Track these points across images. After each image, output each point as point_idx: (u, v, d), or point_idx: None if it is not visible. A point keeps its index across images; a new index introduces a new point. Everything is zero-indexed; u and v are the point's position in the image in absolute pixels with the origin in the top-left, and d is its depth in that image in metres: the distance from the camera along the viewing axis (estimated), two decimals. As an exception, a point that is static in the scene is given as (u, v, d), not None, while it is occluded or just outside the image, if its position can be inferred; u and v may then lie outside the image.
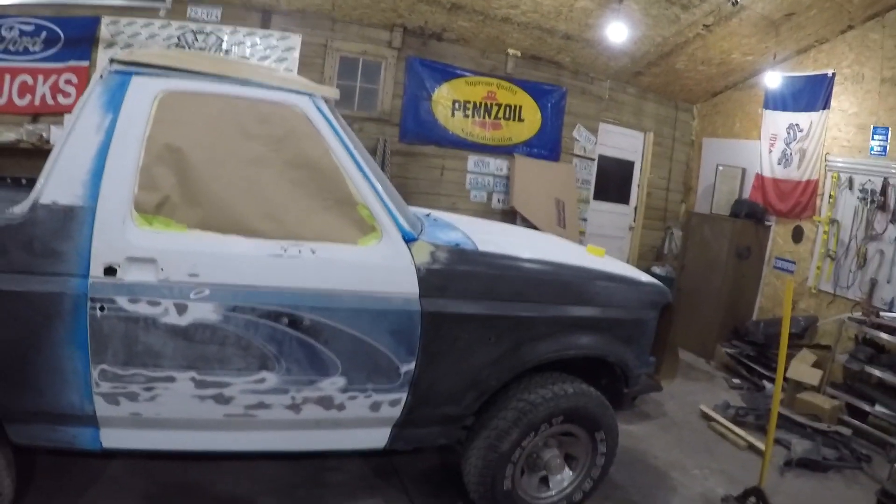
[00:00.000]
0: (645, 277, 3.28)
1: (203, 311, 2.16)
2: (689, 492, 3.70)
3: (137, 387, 2.17)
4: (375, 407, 2.46)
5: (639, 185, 7.65)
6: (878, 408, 4.74)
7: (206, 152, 2.23)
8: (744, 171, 6.80)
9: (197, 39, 5.50)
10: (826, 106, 5.92)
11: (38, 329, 2.06)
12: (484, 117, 6.49)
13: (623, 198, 7.63)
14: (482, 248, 2.68)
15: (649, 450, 4.19)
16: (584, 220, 7.28)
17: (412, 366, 2.45)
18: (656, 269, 7.14)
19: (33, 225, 2.05)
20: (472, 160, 6.54)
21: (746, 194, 6.69)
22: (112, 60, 2.22)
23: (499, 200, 6.69)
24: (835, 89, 5.89)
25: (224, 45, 5.56)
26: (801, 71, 6.23)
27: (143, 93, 2.17)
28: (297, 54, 5.74)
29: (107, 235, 2.10)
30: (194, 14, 5.44)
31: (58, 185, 2.08)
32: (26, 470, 2.66)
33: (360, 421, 2.48)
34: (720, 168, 7.02)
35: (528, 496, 2.94)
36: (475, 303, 2.53)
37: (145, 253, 2.13)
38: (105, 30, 5.22)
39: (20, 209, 2.06)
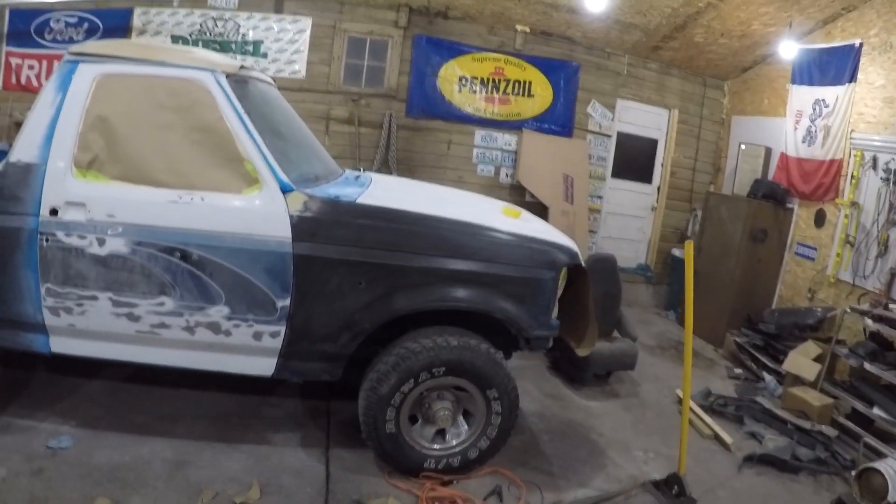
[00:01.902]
0: (548, 237, 3.49)
1: (117, 245, 2.95)
2: (618, 472, 3.65)
3: (71, 302, 3.00)
4: (258, 336, 3.10)
5: (662, 164, 7.73)
6: (876, 410, 4.43)
7: (127, 120, 3.01)
8: (769, 150, 6.75)
9: (217, 25, 6.48)
10: (853, 79, 5.74)
11: (5, 255, 2.95)
12: (492, 93, 6.95)
13: (645, 177, 7.75)
14: (362, 200, 3.24)
15: (597, 426, 4.21)
16: (600, 197, 7.52)
17: (287, 302, 3.06)
18: (676, 252, 7.28)
19: (4, 177, 2.95)
20: (480, 135, 7.02)
21: (771, 174, 6.66)
22: (67, 52, 3.11)
23: (506, 175, 7.10)
24: (861, 60, 5.71)
25: (241, 30, 6.52)
26: (829, 42, 6.07)
27: (86, 76, 3.00)
28: (307, 36, 6.58)
29: (53, 185, 2.94)
30: (214, 2, 6.43)
31: (23, 148, 2.97)
32: (23, 381, 3.64)
33: (247, 348, 3.14)
34: (742, 147, 6.98)
35: (418, 444, 3.27)
36: (345, 248, 3.08)
37: (78, 198, 2.94)
38: (137, 19, 6.33)
39: None
